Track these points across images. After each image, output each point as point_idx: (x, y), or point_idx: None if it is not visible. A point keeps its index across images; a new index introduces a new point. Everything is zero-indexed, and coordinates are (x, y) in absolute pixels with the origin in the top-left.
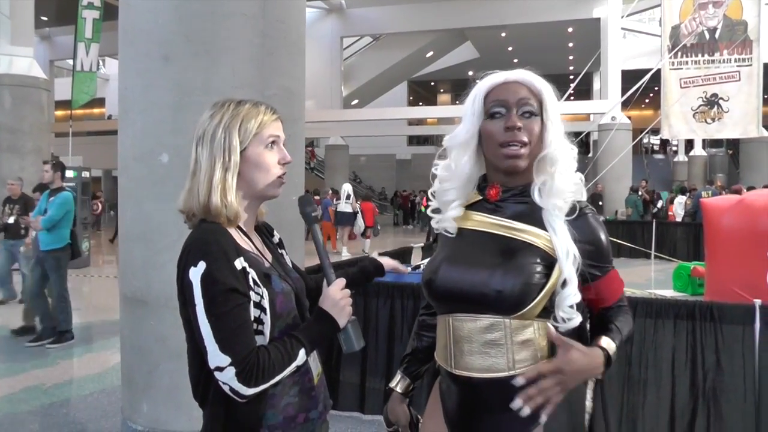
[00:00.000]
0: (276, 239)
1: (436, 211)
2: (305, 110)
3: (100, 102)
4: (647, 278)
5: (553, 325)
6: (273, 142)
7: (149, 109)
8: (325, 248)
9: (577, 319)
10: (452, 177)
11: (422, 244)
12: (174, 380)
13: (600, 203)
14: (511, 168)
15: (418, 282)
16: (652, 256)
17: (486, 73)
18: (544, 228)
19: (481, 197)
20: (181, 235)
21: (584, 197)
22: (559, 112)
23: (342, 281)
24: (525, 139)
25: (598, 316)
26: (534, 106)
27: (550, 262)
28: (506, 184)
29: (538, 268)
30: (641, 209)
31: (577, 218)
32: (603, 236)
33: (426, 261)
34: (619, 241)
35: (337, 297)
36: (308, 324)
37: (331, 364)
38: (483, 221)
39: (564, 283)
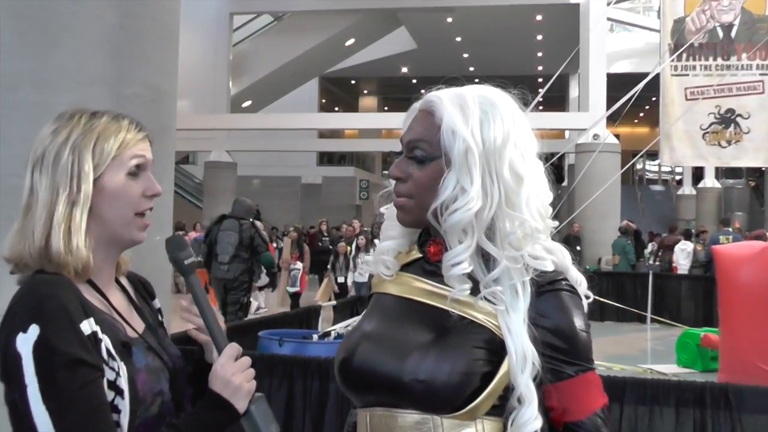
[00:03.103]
0: (157, 305)
1: (368, 264)
2: (177, 115)
3: None
4: (641, 349)
5: None
6: (138, 167)
7: None
8: (210, 305)
9: None
10: (393, 220)
11: (333, 303)
12: None
13: (578, 248)
14: (399, 223)
15: (326, 356)
16: (648, 319)
17: (428, 89)
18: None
19: (420, 255)
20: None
21: (558, 257)
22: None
23: (235, 349)
24: (403, 189)
25: None
26: (427, 148)
27: (497, 345)
28: None
29: (481, 354)
30: (633, 257)
31: (543, 293)
32: (579, 323)
33: (339, 327)
34: (603, 299)
35: (228, 373)
36: (195, 411)
37: None
38: (417, 287)
39: (519, 400)
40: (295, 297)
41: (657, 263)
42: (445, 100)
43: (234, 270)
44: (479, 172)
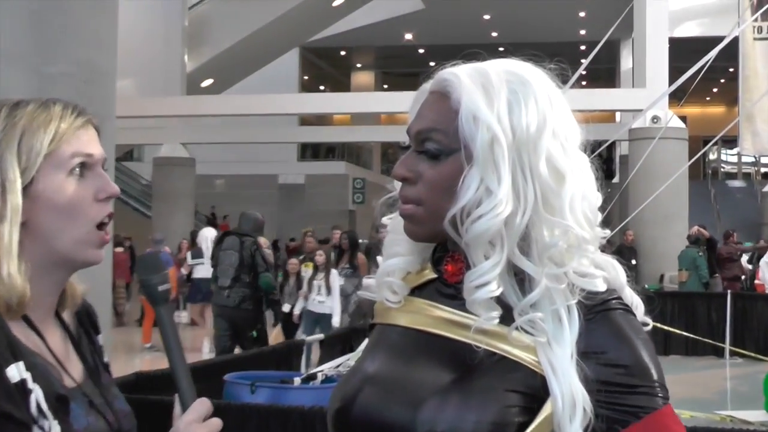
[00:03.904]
0: (100, 341)
1: (369, 288)
2: (117, 99)
3: None
4: (718, 391)
5: None
6: (82, 165)
7: None
8: (182, 346)
9: None
10: (398, 233)
11: (320, 336)
12: None
13: (633, 261)
14: (408, 237)
15: (311, 404)
16: (727, 352)
17: (441, 65)
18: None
19: (435, 275)
20: None
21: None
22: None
23: (205, 406)
24: (412, 193)
25: None
26: (442, 139)
27: (536, 388)
28: None
29: (516, 399)
30: (705, 272)
31: (591, 319)
32: (642, 351)
33: (328, 367)
34: (668, 327)
35: None
36: None
37: None
38: (433, 316)
39: None
40: None
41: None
42: (463, 77)
43: (235, 296)
44: (509, 168)
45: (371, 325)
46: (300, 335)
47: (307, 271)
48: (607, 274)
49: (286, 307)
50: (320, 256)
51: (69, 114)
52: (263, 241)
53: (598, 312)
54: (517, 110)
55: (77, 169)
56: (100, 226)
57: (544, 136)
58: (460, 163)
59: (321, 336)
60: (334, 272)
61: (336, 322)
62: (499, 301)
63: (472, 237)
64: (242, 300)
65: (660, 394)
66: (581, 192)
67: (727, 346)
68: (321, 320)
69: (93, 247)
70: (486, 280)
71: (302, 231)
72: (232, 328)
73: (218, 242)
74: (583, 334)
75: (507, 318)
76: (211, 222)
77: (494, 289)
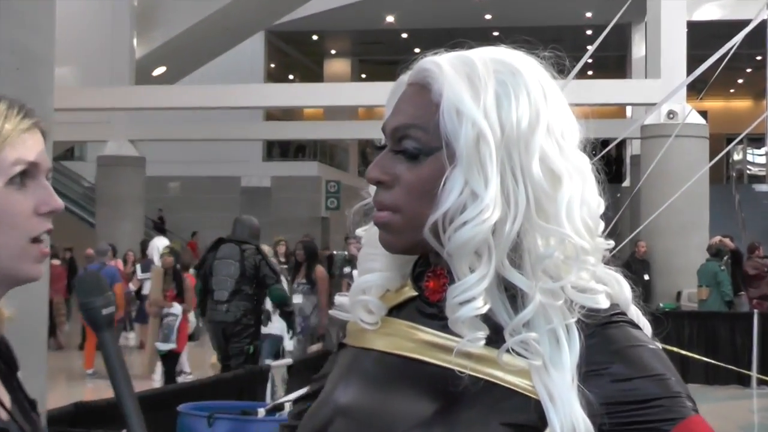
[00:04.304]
0: (19, 377)
1: (342, 308)
2: (56, 89)
3: None
4: (744, 424)
5: None
6: (23, 173)
7: None
8: (128, 375)
9: None
10: (375, 245)
11: (288, 361)
12: None
13: (645, 276)
14: (384, 248)
15: None
16: (754, 380)
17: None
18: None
19: (416, 293)
20: None
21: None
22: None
23: None
24: (388, 198)
25: None
26: (422, 136)
27: (532, 419)
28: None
29: (512, 422)
30: (729, 289)
31: (591, 335)
32: (653, 360)
33: (296, 396)
34: (685, 352)
35: None
36: None
37: None
38: (413, 339)
39: None
40: (170, 358)
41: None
42: (445, 67)
43: (235, 310)
44: (497, 169)
45: (340, 344)
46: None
47: None
48: (610, 289)
49: None
50: None
51: (14, 114)
52: (267, 248)
53: (598, 327)
54: (507, 104)
55: (18, 178)
56: (39, 241)
57: (537, 132)
58: (441, 163)
59: (289, 361)
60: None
61: (288, 345)
62: (488, 320)
63: (456, 246)
64: (243, 314)
65: (685, 404)
66: (580, 196)
67: (754, 374)
68: (264, 343)
69: (30, 261)
70: (471, 295)
71: (274, 240)
72: (219, 349)
73: (212, 249)
74: (584, 355)
75: (496, 340)
76: (159, 228)
77: (480, 306)
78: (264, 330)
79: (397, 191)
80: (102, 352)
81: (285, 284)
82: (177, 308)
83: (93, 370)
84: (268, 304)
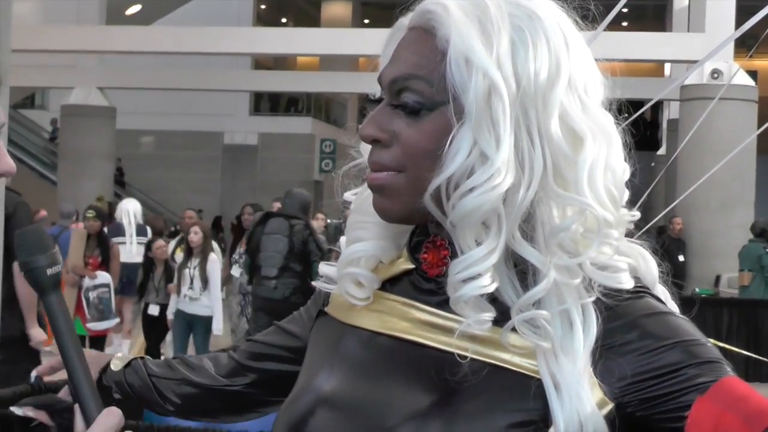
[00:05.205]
0: None
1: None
2: (12, 27)
3: None
4: None
5: None
6: None
7: None
8: (79, 343)
9: None
10: (366, 212)
11: None
12: None
13: (680, 257)
14: (379, 215)
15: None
16: None
17: None
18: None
19: (413, 266)
20: None
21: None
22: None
23: (114, 418)
24: (385, 158)
25: None
26: (424, 89)
27: (545, 409)
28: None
29: (518, 418)
30: None
31: (613, 317)
32: (682, 323)
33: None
34: (723, 344)
35: None
36: None
37: None
38: (408, 317)
39: None
40: (98, 341)
41: None
42: (453, 9)
43: (283, 288)
44: (510, 128)
45: (320, 311)
46: (168, 344)
47: (179, 256)
48: (634, 263)
49: (152, 309)
50: (195, 235)
51: None
52: (318, 223)
53: (618, 305)
54: (523, 53)
55: None
56: None
57: (557, 87)
58: (446, 119)
59: None
60: (213, 257)
61: (218, 328)
62: (493, 299)
63: (461, 216)
64: (292, 292)
65: (718, 367)
66: (604, 160)
67: None
68: (195, 324)
69: None
70: (476, 271)
71: (243, 205)
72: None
73: (260, 223)
74: (600, 335)
75: (503, 320)
76: (118, 182)
77: (487, 284)
78: (186, 308)
79: (395, 150)
80: (48, 318)
81: (216, 258)
82: (104, 277)
83: (51, 347)
84: None
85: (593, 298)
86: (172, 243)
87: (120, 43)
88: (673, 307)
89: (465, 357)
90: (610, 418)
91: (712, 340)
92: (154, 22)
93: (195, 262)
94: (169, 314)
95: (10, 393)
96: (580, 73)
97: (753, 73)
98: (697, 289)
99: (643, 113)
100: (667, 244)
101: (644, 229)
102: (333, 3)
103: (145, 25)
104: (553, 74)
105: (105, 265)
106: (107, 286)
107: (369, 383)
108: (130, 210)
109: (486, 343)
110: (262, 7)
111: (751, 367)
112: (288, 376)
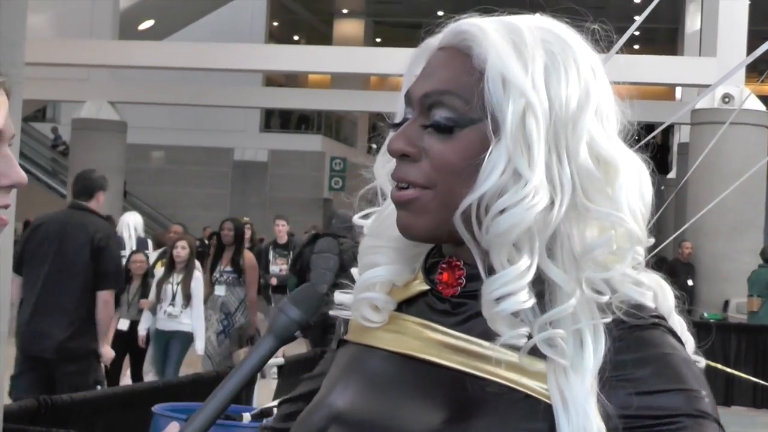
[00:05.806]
0: None
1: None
2: (27, 41)
3: None
4: None
5: None
6: None
7: None
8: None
9: None
10: (381, 236)
11: (279, 360)
12: None
13: (689, 282)
14: (402, 233)
15: None
16: None
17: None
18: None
19: (428, 287)
20: None
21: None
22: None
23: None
24: (414, 174)
25: None
26: (459, 105)
27: (548, 425)
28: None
29: None
30: None
31: (623, 337)
32: (687, 378)
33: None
34: (731, 370)
35: None
36: None
37: None
38: (423, 337)
39: None
40: None
41: None
42: (489, 30)
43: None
44: (544, 149)
45: (341, 341)
46: (147, 364)
47: (159, 271)
48: (652, 291)
49: (122, 324)
50: (183, 250)
51: None
52: None
53: (630, 328)
54: (556, 78)
55: None
56: None
57: (585, 114)
58: (478, 137)
59: (280, 360)
60: (197, 275)
61: (200, 348)
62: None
63: (496, 234)
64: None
65: (710, 425)
66: (638, 188)
67: None
68: (172, 339)
69: None
70: (513, 289)
71: (274, 219)
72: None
73: (308, 243)
74: (609, 358)
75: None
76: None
77: (525, 300)
78: (163, 326)
79: (424, 166)
80: (254, 356)
81: (200, 275)
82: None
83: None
84: None
85: (608, 320)
86: (153, 255)
87: (132, 58)
88: (688, 338)
89: (478, 377)
90: None
91: (720, 366)
92: (167, 37)
93: (178, 277)
94: (142, 330)
95: (16, 407)
96: (605, 101)
97: (764, 98)
98: (705, 314)
99: (653, 137)
100: (676, 268)
101: (653, 253)
102: (345, 21)
103: (158, 41)
104: (583, 101)
105: None
106: None
107: (382, 401)
108: (130, 223)
109: (508, 368)
110: (275, 24)
111: (758, 393)
112: None
